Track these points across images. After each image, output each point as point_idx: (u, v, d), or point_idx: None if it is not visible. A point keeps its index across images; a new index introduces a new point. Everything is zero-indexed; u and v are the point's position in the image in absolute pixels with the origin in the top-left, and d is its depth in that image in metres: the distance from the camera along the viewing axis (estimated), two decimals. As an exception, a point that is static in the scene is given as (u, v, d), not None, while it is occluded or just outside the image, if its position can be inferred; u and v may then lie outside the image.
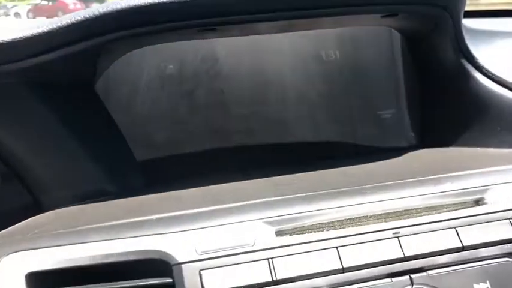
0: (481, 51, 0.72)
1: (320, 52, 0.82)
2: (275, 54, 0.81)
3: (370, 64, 0.84)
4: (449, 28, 0.67)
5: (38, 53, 0.52)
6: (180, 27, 0.55)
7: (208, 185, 0.62)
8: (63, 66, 0.57)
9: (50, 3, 15.78)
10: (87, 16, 0.51)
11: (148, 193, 0.61)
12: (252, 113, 0.80)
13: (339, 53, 0.83)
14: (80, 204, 0.60)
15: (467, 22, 0.76)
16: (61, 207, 0.59)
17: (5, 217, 0.65)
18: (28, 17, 14.83)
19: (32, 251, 0.43)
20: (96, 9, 0.51)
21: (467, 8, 0.70)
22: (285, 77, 0.82)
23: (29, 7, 15.84)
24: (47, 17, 14.25)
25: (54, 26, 0.51)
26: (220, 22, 0.58)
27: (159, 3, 0.51)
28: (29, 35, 0.50)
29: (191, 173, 0.74)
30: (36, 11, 15.15)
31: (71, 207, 0.58)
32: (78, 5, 15.77)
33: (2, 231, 0.53)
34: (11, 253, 0.43)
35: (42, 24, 0.52)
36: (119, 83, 0.72)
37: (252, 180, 0.59)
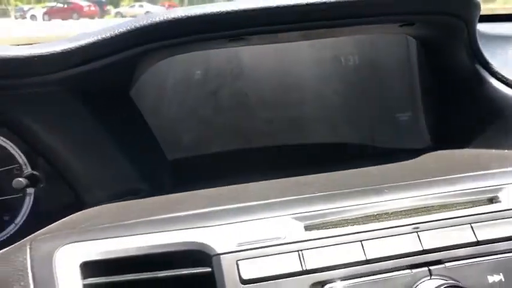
0: (496, 56, 0.75)
1: (339, 57, 0.86)
2: (296, 60, 0.85)
3: (387, 68, 0.87)
4: (464, 35, 0.70)
5: (83, 62, 0.57)
6: (215, 37, 0.60)
7: (234, 183, 0.66)
8: (104, 74, 0.62)
9: (65, 5, 16.00)
10: (130, 28, 0.55)
11: (179, 191, 0.66)
12: (274, 115, 0.85)
13: (358, 58, 0.87)
14: (118, 201, 0.65)
15: (482, 27, 0.79)
16: (101, 205, 0.64)
17: (49, 213, 0.70)
18: (44, 20, 15.05)
19: (85, 242, 0.48)
20: (137, 21, 0.56)
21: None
22: (305, 80, 0.86)
23: (45, 10, 16.08)
24: (62, 20, 14.45)
25: (99, 38, 0.56)
26: (250, 32, 0.62)
27: (199, 16, 0.56)
28: (77, 45, 0.55)
29: (217, 172, 0.79)
30: (52, 14, 15.37)
31: (111, 204, 0.63)
32: (93, 7, 15.97)
33: (51, 226, 0.57)
34: (66, 244, 0.48)
35: (87, 36, 0.57)
36: (150, 88, 0.77)
37: (277, 180, 0.63)
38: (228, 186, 0.64)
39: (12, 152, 0.70)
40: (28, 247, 0.48)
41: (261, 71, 0.84)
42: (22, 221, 0.71)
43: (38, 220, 0.70)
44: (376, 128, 0.87)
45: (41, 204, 0.71)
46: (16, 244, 0.52)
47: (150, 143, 0.73)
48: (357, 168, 0.69)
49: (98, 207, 0.61)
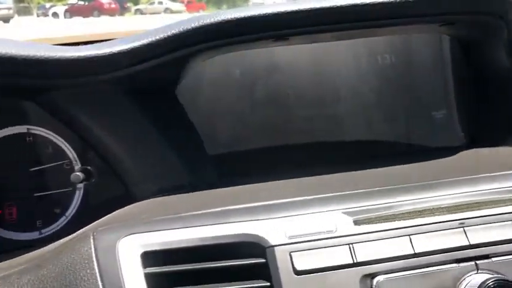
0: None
1: (375, 55, 0.87)
2: (332, 58, 0.87)
3: (421, 66, 0.88)
4: (504, 35, 0.71)
5: (138, 62, 0.60)
6: (263, 37, 0.62)
7: (273, 179, 0.68)
8: (154, 73, 0.64)
9: (86, 3, 16.21)
10: (183, 29, 0.58)
11: (221, 186, 0.68)
12: (311, 113, 0.86)
13: (393, 56, 0.88)
14: (166, 195, 0.67)
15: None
16: (149, 198, 0.67)
17: (98, 206, 0.74)
18: (65, 17, 15.29)
19: (145, 234, 0.51)
20: (190, 22, 0.59)
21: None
22: (341, 78, 0.88)
23: (66, 7, 16.31)
24: (84, 17, 14.64)
25: (154, 39, 0.58)
26: (295, 33, 0.64)
27: (251, 17, 0.58)
28: (132, 46, 0.58)
29: (256, 167, 0.81)
30: (73, 11, 15.59)
31: (161, 197, 0.66)
32: (113, 5, 16.14)
33: (108, 217, 0.60)
34: (127, 235, 0.51)
35: (141, 37, 0.60)
36: (192, 86, 0.79)
37: (321, 176, 0.65)
38: (273, 182, 0.66)
39: (64, 148, 0.74)
40: (91, 237, 0.51)
41: (298, 69, 0.86)
42: (72, 214, 0.74)
43: (88, 213, 0.74)
44: (411, 126, 0.88)
45: (90, 197, 0.74)
46: (79, 233, 0.55)
47: (193, 139, 0.76)
48: (393, 165, 0.70)
49: (149, 200, 0.64)
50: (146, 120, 0.68)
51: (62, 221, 0.74)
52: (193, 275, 0.49)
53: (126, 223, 0.53)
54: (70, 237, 0.57)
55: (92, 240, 0.51)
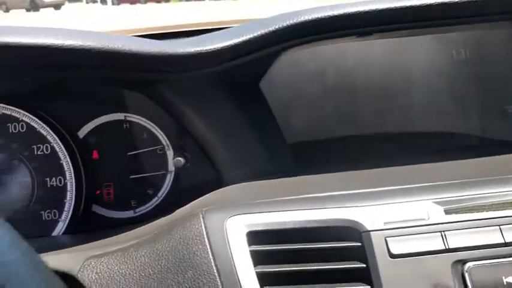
0: None
1: (451, 51, 0.89)
2: (405, 51, 0.89)
3: (496, 60, 0.89)
4: None
5: (237, 57, 0.65)
6: (351, 33, 0.65)
7: (349, 169, 0.72)
8: (247, 68, 0.69)
9: (134, -10, 16.50)
10: (280, 26, 0.62)
11: (302, 174, 0.73)
12: (384, 105, 0.89)
13: (468, 51, 0.89)
14: (253, 180, 0.72)
15: None
16: (238, 183, 0.72)
17: (188, 189, 0.80)
18: (113, 4, 15.66)
19: (249, 215, 0.56)
20: (287, 17, 0.63)
21: None
22: (414, 71, 0.90)
23: (114, -6, 16.66)
24: (131, 4, 14.95)
25: (255, 34, 0.63)
26: (381, 29, 0.67)
27: (345, 14, 0.62)
28: (234, 42, 0.63)
29: (332, 157, 0.85)
30: (121, -2, 15.94)
31: (250, 182, 0.71)
32: (159, -8, 16.36)
33: (206, 198, 0.66)
34: (233, 216, 0.56)
35: (241, 32, 0.64)
36: (274, 79, 0.84)
37: (403, 167, 0.68)
38: (356, 171, 0.69)
39: (157, 134, 0.80)
40: (201, 216, 0.57)
41: (371, 62, 0.89)
42: (164, 195, 0.81)
43: (177, 194, 0.80)
44: (484, 120, 0.90)
45: (180, 180, 0.80)
46: (187, 212, 0.61)
47: (274, 129, 0.80)
48: (465, 158, 0.73)
49: (242, 184, 0.69)
50: (235, 111, 0.73)
51: (154, 201, 0.81)
52: (292, 254, 0.54)
53: (231, 204, 0.58)
54: (176, 215, 0.63)
55: (201, 219, 0.57)
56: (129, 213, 0.81)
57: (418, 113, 0.90)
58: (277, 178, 0.73)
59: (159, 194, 0.81)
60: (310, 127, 0.88)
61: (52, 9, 13.54)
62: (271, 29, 0.63)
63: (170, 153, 0.80)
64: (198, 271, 0.53)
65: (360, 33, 0.68)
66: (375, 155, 0.84)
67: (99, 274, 0.56)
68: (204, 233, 0.55)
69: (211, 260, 0.53)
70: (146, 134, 0.80)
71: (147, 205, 0.81)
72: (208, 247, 0.54)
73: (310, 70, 0.88)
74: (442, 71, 0.89)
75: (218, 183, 0.73)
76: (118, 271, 0.56)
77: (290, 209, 0.56)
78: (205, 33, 0.75)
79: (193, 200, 0.73)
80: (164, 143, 0.80)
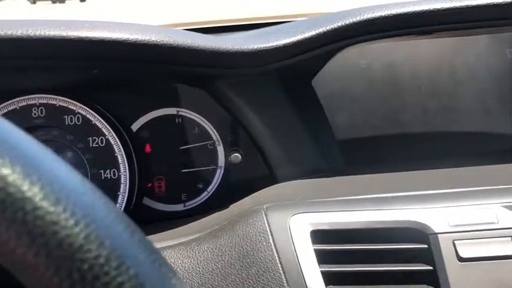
0: None
1: (505, 50, 0.87)
2: (460, 52, 0.88)
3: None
4: None
5: (298, 54, 0.65)
6: (412, 33, 0.65)
7: (400, 169, 0.72)
8: (305, 64, 0.69)
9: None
10: (346, 22, 0.62)
11: (351, 173, 0.72)
12: (431, 105, 0.88)
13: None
14: (305, 179, 0.72)
15: None
16: (289, 181, 0.73)
17: (237, 184, 0.80)
18: (137, -4, 15.77)
19: (313, 213, 0.56)
20: (349, 15, 0.62)
21: None
22: (461, 71, 0.88)
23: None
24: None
25: (318, 32, 0.63)
26: (443, 29, 0.66)
27: (409, 13, 0.61)
28: (297, 39, 0.62)
29: (381, 156, 0.85)
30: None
31: (303, 180, 0.71)
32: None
33: (263, 195, 0.66)
34: (297, 214, 0.56)
35: (302, 29, 0.64)
36: (326, 76, 0.84)
37: (463, 168, 0.67)
38: (413, 172, 0.69)
39: (208, 129, 0.80)
40: (263, 213, 0.57)
41: (421, 60, 0.88)
42: (213, 190, 0.81)
43: (227, 190, 0.81)
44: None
45: (230, 175, 0.81)
46: (246, 208, 0.61)
47: (325, 126, 0.80)
48: None
49: (297, 181, 0.69)
50: (289, 108, 0.73)
51: (204, 196, 0.81)
52: (357, 255, 0.54)
53: (293, 202, 0.58)
54: (232, 210, 0.64)
55: (264, 216, 0.57)
56: (178, 207, 0.82)
57: (464, 113, 0.89)
58: (328, 177, 0.73)
59: (209, 189, 0.81)
60: (358, 125, 0.87)
61: (77, 0, 13.70)
62: (336, 25, 0.62)
63: (220, 148, 0.80)
64: (263, 268, 0.53)
65: (421, 32, 0.68)
66: (422, 155, 0.83)
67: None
68: (268, 230, 0.55)
69: (276, 257, 0.53)
70: (197, 129, 0.81)
71: (196, 199, 0.81)
72: (272, 244, 0.54)
73: (359, 68, 0.87)
74: (495, 70, 0.88)
75: (268, 179, 0.73)
76: (181, 265, 0.57)
77: (354, 209, 0.56)
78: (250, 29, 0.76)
79: (242, 196, 0.73)
80: (215, 138, 0.80)
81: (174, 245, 0.59)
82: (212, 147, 0.81)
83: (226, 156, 0.80)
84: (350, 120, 0.87)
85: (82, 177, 0.24)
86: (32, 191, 0.22)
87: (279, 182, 0.73)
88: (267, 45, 0.62)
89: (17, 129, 0.24)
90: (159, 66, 0.62)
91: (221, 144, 0.80)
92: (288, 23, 0.74)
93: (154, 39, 0.56)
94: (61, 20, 0.59)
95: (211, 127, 0.80)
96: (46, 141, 0.77)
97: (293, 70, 0.71)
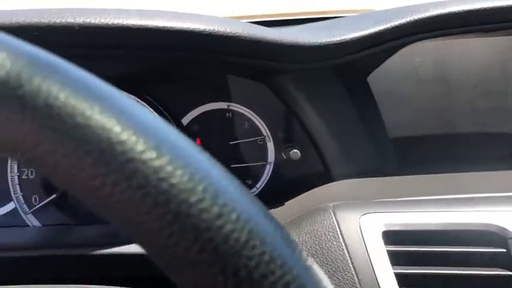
0: None
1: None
2: (502, 51, 0.86)
3: None
4: None
5: (364, 49, 0.63)
6: (481, 30, 0.63)
7: (451, 170, 0.70)
8: (367, 60, 0.67)
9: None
10: (416, 17, 0.60)
11: (404, 172, 0.70)
12: (481, 105, 0.86)
13: None
14: (361, 178, 0.71)
15: None
16: (345, 179, 0.71)
17: (287, 181, 0.79)
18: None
19: (384, 213, 0.54)
20: (420, 10, 0.61)
21: None
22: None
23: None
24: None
25: (386, 27, 0.61)
26: (503, 27, 0.64)
27: (477, 10, 0.59)
28: (363, 34, 0.61)
29: (432, 156, 0.83)
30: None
31: (361, 179, 0.69)
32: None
33: (316, 191, 0.65)
34: (367, 213, 0.54)
35: (368, 24, 0.62)
36: (380, 72, 0.82)
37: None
38: (476, 173, 0.67)
39: (258, 125, 0.79)
40: (331, 211, 0.56)
41: (475, 59, 0.86)
42: (262, 186, 0.80)
43: (275, 186, 0.80)
44: None
45: (280, 172, 0.79)
46: (312, 206, 0.60)
47: (380, 125, 0.79)
48: None
49: (356, 180, 0.68)
50: (347, 104, 0.72)
51: (253, 192, 0.80)
52: (431, 257, 0.52)
53: (363, 201, 0.57)
54: (292, 208, 0.63)
55: (332, 214, 0.55)
56: (226, 203, 0.80)
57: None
58: (383, 176, 0.72)
59: (258, 185, 0.80)
60: (409, 125, 0.85)
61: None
62: (406, 20, 0.61)
63: (271, 144, 0.79)
64: (334, 267, 0.52)
65: (487, 30, 0.66)
66: (475, 156, 0.81)
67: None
68: (338, 229, 0.54)
69: (347, 257, 0.52)
70: (248, 124, 0.79)
71: (245, 195, 0.80)
72: (343, 244, 0.53)
73: (411, 65, 0.85)
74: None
75: (322, 177, 0.71)
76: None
77: (427, 209, 0.54)
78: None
79: (293, 193, 0.72)
80: (265, 133, 0.79)
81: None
82: (262, 142, 0.80)
83: (277, 152, 0.79)
84: (401, 119, 0.86)
85: (229, 174, 0.23)
86: (193, 182, 0.20)
87: (334, 181, 0.71)
88: (335, 39, 0.60)
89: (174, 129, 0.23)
90: (225, 58, 0.61)
91: (271, 140, 0.79)
92: (343, 18, 0.72)
93: (230, 30, 0.55)
94: (131, 10, 0.58)
95: (262, 122, 0.79)
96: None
97: (352, 66, 0.69)
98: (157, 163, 0.20)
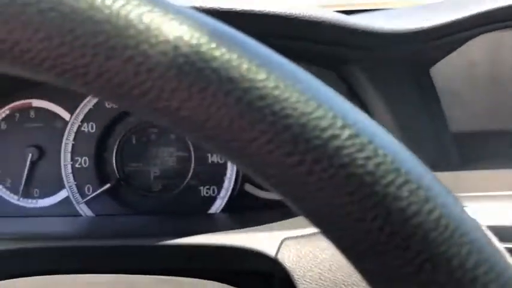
0: None
1: None
2: None
3: None
4: None
5: (436, 38, 0.61)
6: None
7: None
8: (434, 51, 0.65)
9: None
10: (498, 6, 0.58)
11: (470, 167, 0.68)
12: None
13: None
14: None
15: None
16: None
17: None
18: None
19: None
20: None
21: None
22: None
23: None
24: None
25: (463, 16, 0.59)
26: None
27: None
28: (442, 23, 0.59)
29: (494, 152, 0.81)
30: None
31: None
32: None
33: None
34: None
35: (447, 14, 0.60)
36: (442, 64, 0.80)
37: None
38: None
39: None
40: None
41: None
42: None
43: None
44: None
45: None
46: None
47: (442, 118, 0.76)
48: None
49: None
50: (411, 96, 0.70)
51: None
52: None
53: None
54: None
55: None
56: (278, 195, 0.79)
57: None
58: (443, 171, 0.69)
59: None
60: (470, 118, 0.83)
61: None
62: (483, 9, 0.58)
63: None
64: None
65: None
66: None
67: (301, 257, 0.54)
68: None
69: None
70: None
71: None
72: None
73: (475, 57, 0.83)
74: None
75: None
76: (320, 256, 0.54)
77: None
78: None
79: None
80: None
81: (308, 235, 0.56)
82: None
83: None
84: (463, 113, 0.83)
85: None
86: (396, 163, 0.19)
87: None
88: (411, 27, 0.58)
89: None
90: (303, 45, 0.59)
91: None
92: (412, 7, 0.70)
93: (317, 15, 0.53)
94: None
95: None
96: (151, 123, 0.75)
97: (419, 56, 0.67)
98: (357, 141, 0.19)
